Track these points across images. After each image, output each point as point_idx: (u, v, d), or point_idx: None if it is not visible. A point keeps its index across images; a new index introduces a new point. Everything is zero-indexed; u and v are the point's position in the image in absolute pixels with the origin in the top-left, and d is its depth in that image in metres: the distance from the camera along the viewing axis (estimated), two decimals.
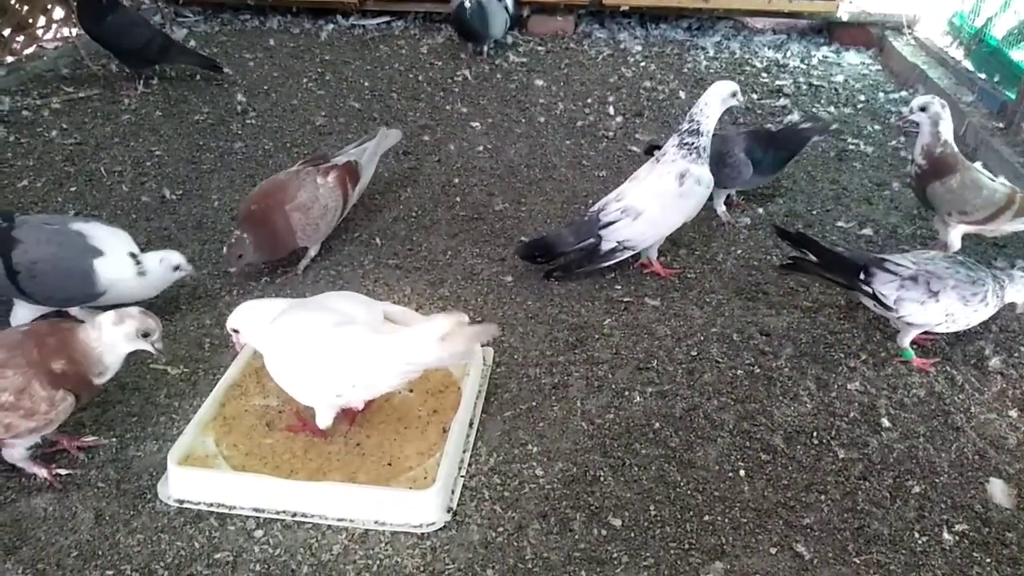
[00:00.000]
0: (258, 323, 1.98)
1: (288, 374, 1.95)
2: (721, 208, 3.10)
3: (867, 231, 3.04)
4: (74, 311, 2.46)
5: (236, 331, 2.02)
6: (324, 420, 1.98)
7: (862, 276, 2.31)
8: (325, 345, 1.89)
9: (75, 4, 4.10)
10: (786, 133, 3.14)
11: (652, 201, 2.61)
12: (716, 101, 2.60)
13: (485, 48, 4.66)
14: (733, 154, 2.96)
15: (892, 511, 1.93)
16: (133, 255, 2.36)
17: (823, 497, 1.96)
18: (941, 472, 2.03)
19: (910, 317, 2.28)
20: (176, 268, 2.43)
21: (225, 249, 2.59)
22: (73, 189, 3.30)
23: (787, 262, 2.50)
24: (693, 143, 2.60)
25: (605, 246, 2.63)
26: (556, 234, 2.73)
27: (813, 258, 2.38)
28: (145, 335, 1.91)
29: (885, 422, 2.17)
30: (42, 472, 1.97)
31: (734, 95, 2.62)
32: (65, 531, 1.87)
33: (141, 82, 4.23)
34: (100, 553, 1.82)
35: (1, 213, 2.37)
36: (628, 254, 2.68)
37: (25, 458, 1.96)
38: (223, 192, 3.28)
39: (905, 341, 2.38)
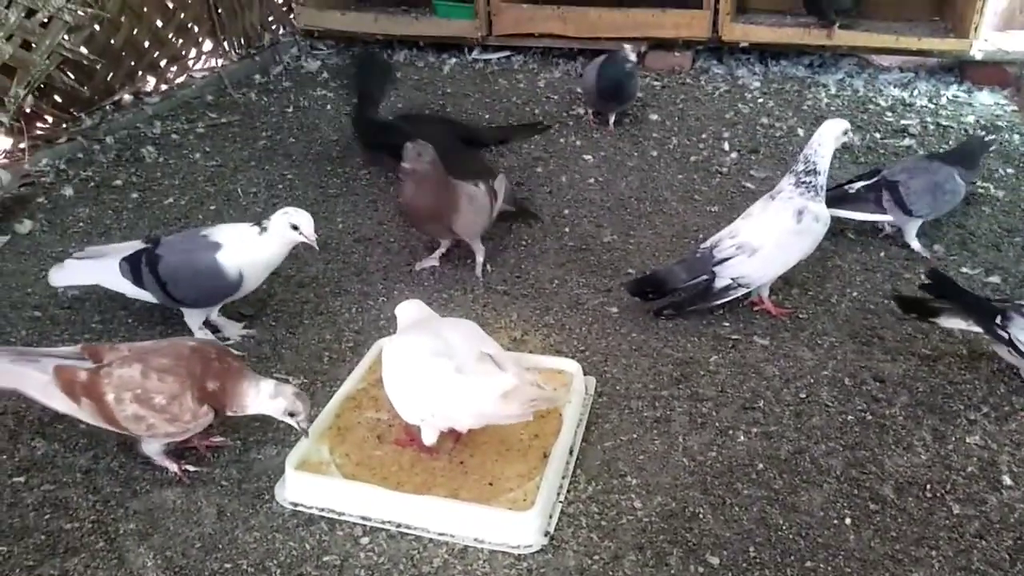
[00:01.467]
0: (401, 324, 2.16)
1: (390, 389, 2.06)
2: (916, 243, 3.07)
3: (994, 279, 2.90)
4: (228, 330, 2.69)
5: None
6: (429, 437, 2.07)
7: (999, 320, 2.22)
8: (414, 371, 2.01)
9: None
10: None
11: (769, 237, 2.59)
12: (830, 139, 2.58)
13: (612, 117, 4.27)
14: (954, 179, 3.00)
15: (1012, 574, 1.83)
16: (256, 223, 2.52)
17: (934, 553, 1.88)
18: None
19: None
20: (295, 228, 2.47)
21: (411, 143, 2.67)
22: (212, 208, 3.57)
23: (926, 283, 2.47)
24: (811, 182, 2.58)
25: (719, 283, 2.62)
26: (667, 270, 2.73)
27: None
28: (292, 415, 2.03)
29: (1007, 480, 2.06)
30: (173, 467, 2.13)
31: (845, 133, 2.61)
32: (190, 523, 2.02)
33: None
34: (220, 547, 1.95)
35: (150, 238, 2.64)
36: (742, 292, 2.65)
37: (159, 452, 2.13)
38: (347, 216, 3.47)
39: None
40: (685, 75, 4.97)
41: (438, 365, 1.98)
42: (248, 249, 2.49)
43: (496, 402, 1.92)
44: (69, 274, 2.64)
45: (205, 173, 3.91)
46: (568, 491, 2.07)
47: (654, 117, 4.37)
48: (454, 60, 5.32)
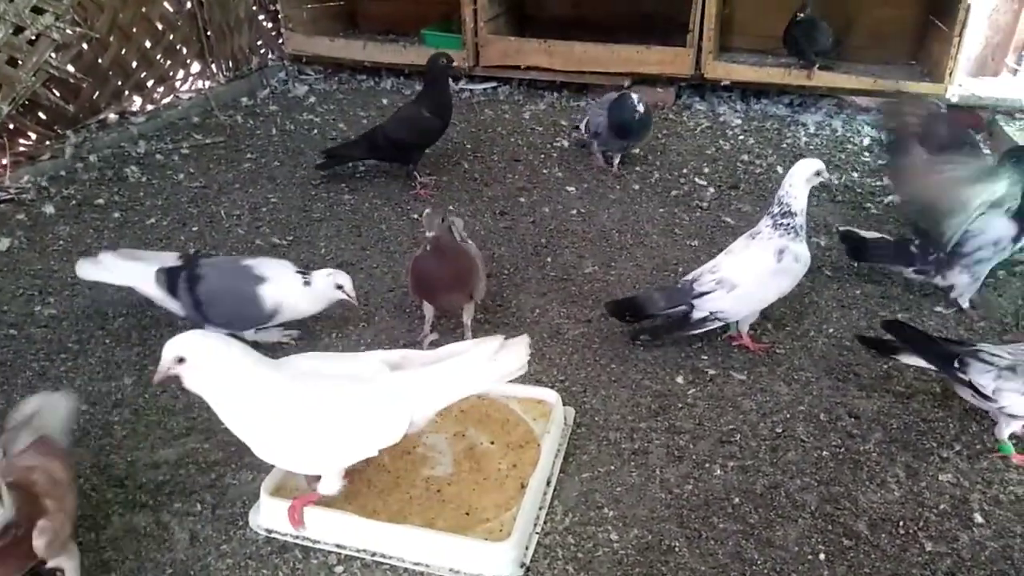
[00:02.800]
0: (224, 363, 1.81)
1: (311, 435, 1.86)
2: None
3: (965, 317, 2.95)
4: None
5: (182, 361, 1.79)
6: (334, 486, 1.97)
7: (957, 365, 2.26)
8: (379, 392, 1.88)
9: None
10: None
11: (748, 275, 2.63)
12: (801, 181, 2.61)
13: (617, 160, 4.22)
14: None
15: None
16: (300, 272, 2.63)
17: None
18: None
19: (1011, 408, 2.21)
20: (339, 287, 2.61)
21: (431, 209, 2.57)
22: (195, 229, 3.56)
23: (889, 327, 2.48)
24: (789, 223, 2.62)
25: (696, 315, 2.66)
26: (647, 296, 2.77)
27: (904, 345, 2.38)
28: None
29: (978, 517, 2.09)
30: None
31: (818, 173, 2.63)
32: (162, 549, 1.99)
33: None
34: (192, 573, 1.93)
35: (186, 255, 2.78)
36: (718, 324, 2.69)
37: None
38: (330, 240, 3.48)
39: (1004, 433, 2.29)
40: (668, 111, 5.05)
41: (401, 377, 1.90)
42: (291, 295, 2.61)
43: (489, 367, 1.89)
44: (100, 270, 2.70)
45: (188, 194, 3.90)
46: (545, 522, 2.06)
47: (636, 151, 4.42)
48: None
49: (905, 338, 2.41)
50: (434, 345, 2.70)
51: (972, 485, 2.19)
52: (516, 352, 1.92)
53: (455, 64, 3.95)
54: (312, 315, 2.72)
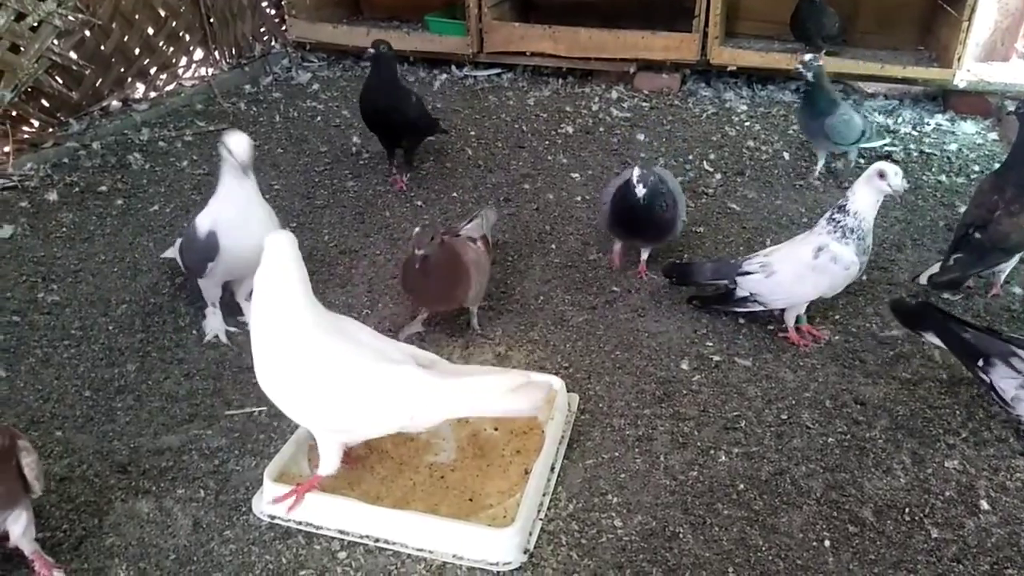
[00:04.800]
0: (291, 270, 1.88)
1: (325, 395, 1.90)
2: None
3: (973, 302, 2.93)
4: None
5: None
6: (332, 464, 1.99)
7: (981, 363, 2.20)
8: (385, 378, 1.89)
9: None
10: None
11: (787, 266, 2.64)
12: (863, 181, 2.56)
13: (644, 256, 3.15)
14: None
15: None
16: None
17: None
18: None
19: None
20: (229, 151, 2.57)
21: (419, 228, 2.50)
22: None
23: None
24: (839, 220, 2.59)
25: (739, 293, 2.71)
26: (699, 264, 2.94)
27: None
28: None
29: (984, 504, 2.07)
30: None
31: (882, 175, 2.51)
32: (165, 535, 2.00)
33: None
34: (195, 559, 1.93)
35: None
36: (759, 308, 2.71)
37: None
38: (334, 227, 3.47)
39: None
40: (673, 97, 5.01)
41: (411, 372, 1.90)
42: (213, 207, 2.64)
43: (504, 399, 1.87)
44: (173, 250, 2.96)
45: (192, 181, 3.89)
46: (549, 508, 2.06)
47: (641, 137, 4.40)
48: (444, 76, 5.34)
49: (936, 322, 2.35)
50: (416, 338, 2.69)
51: (978, 472, 2.18)
52: (534, 394, 1.89)
53: (387, 51, 3.75)
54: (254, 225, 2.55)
